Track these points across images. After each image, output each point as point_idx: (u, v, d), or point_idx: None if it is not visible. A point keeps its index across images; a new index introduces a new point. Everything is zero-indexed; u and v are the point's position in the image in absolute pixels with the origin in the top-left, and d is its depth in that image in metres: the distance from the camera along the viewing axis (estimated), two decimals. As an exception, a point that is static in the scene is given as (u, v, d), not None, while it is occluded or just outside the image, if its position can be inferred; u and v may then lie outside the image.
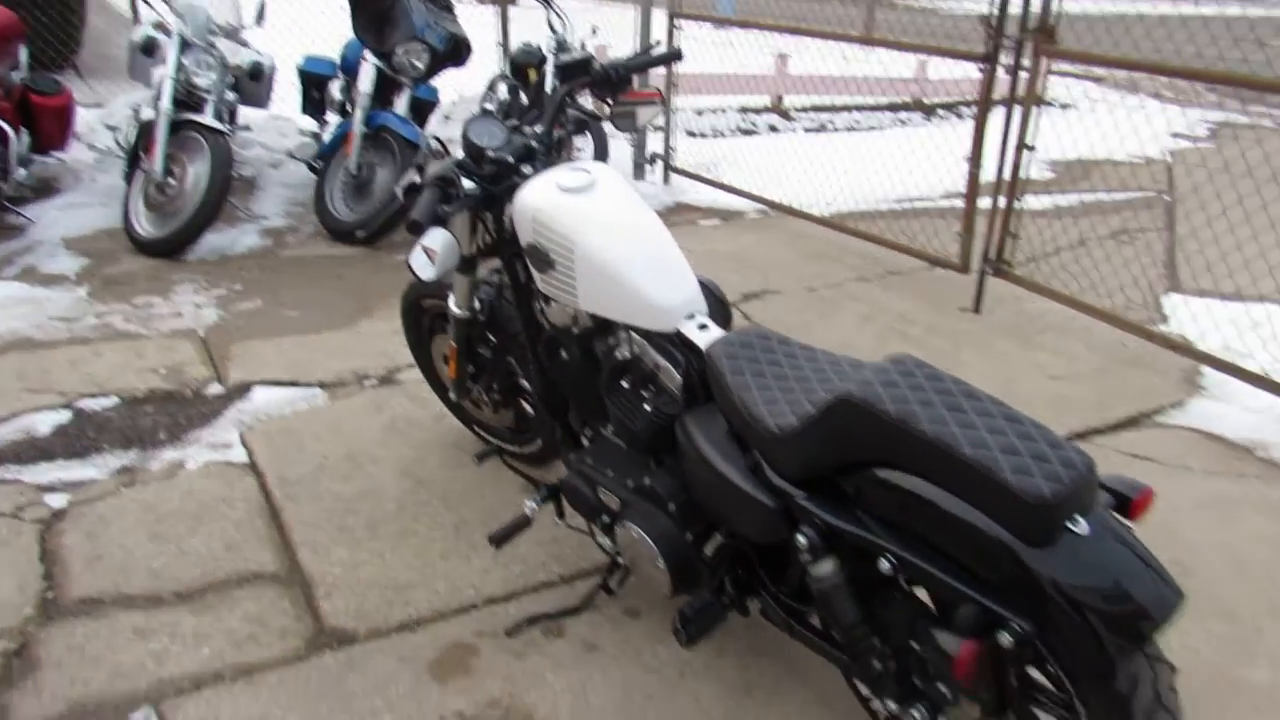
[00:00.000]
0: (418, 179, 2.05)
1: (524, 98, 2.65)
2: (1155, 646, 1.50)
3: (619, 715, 2.10)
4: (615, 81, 2.29)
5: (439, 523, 2.72)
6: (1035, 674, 1.63)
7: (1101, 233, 5.74)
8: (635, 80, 2.49)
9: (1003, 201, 4.20)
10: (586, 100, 5.40)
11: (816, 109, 9.11)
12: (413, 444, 3.11)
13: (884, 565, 1.61)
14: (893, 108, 9.36)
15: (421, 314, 2.90)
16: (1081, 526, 1.44)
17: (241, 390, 3.40)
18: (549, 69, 5.16)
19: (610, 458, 2.21)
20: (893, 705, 1.74)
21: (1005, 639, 1.45)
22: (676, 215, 5.77)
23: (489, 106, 5.79)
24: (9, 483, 2.77)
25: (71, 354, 3.58)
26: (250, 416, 3.23)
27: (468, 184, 2.11)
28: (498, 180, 2.19)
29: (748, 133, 8.20)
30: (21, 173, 4.80)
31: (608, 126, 5.50)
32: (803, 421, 1.68)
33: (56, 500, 2.72)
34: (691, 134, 7.77)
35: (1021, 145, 4.02)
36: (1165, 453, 3.26)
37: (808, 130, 8.39)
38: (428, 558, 2.57)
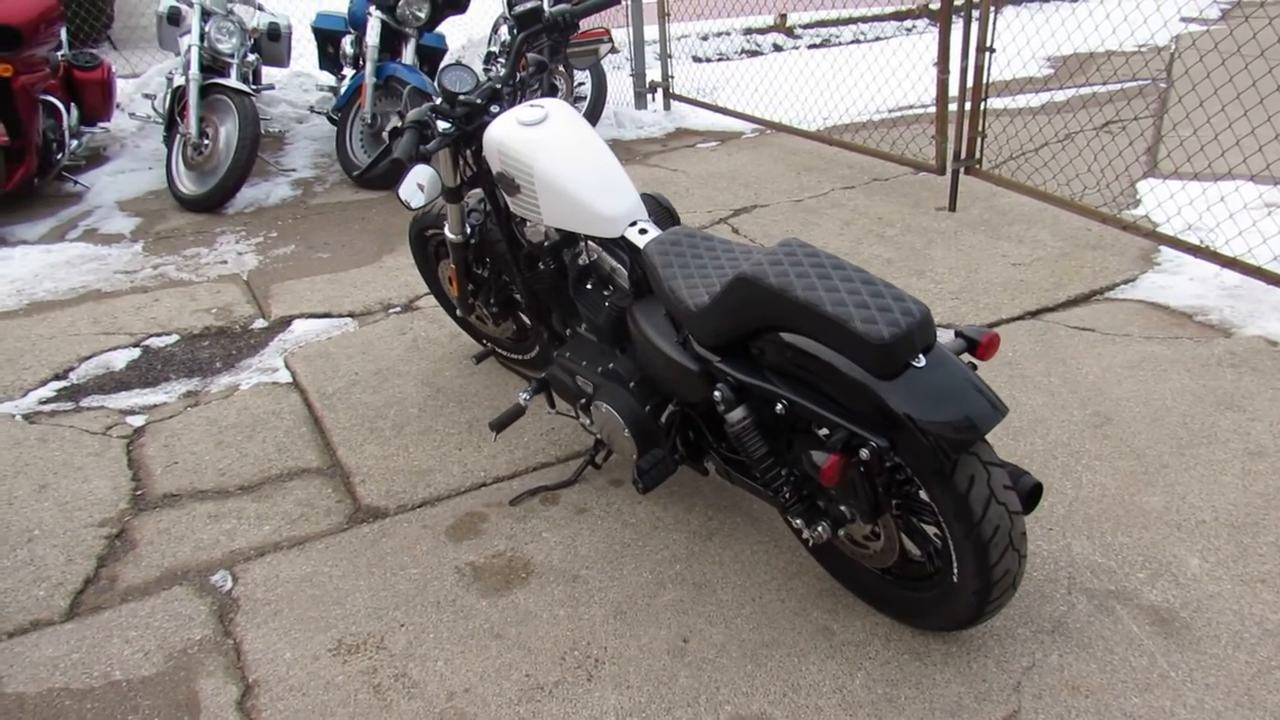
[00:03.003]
0: (399, 123, 2.45)
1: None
2: (989, 452, 1.88)
3: (601, 560, 2.55)
4: (564, 26, 2.64)
5: (455, 421, 3.18)
6: (911, 491, 2.03)
7: (1095, 124, 5.93)
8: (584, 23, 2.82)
9: (969, 104, 4.45)
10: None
11: (821, 24, 9.23)
12: (432, 359, 3.56)
13: (779, 408, 2.01)
14: (899, 16, 9.43)
15: (426, 243, 3.32)
16: (921, 362, 1.83)
17: (283, 323, 3.88)
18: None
19: (584, 350, 2.63)
20: (802, 524, 2.15)
21: (865, 454, 1.85)
22: (676, 140, 6.07)
23: (494, 49, 6.13)
24: (97, 409, 3.30)
25: (135, 301, 4.10)
26: (292, 344, 3.71)
27: (442, 125, 2.50)
28: (470, 120, 2.58)
29: (753, 54, 8.39)
30: (74, 144, 5.30)
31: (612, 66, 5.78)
32: (712, 299, 2.07)
33: (136, 420, 3.23)
34: (698, 59, 7.99)
35: (982, 48, 4.26)
36: (1109, 324, 3.58)
37: (811, 46, 8.55)
38: (445, 449, 3.04)
